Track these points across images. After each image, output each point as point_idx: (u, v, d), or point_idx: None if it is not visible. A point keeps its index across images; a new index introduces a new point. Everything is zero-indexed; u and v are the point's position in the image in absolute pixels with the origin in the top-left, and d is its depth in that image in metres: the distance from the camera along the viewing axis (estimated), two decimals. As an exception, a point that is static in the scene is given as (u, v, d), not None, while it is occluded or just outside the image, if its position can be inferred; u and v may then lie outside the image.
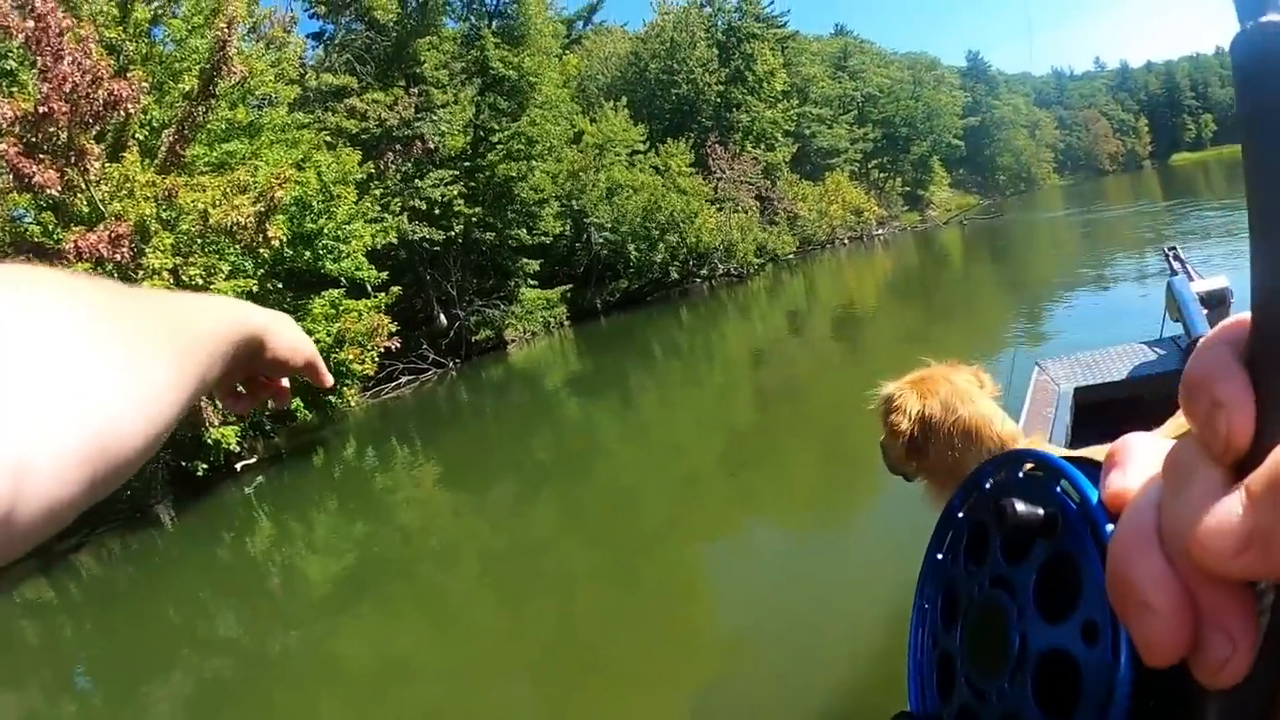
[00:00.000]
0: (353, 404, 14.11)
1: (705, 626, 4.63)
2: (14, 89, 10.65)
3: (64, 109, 9.61)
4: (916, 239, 37.26)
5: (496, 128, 21.11)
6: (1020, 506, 0.29)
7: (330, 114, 18.55)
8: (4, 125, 9.65)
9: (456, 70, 21.02)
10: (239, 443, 11.14)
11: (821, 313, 18.36)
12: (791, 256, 31.85)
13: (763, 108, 33.52)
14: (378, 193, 16.90)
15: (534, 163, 21.44)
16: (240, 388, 0.61)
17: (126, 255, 9.70)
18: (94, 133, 10.22)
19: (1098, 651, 0.26)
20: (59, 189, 9.83)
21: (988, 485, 0.36)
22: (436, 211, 19.35)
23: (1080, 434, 3.42)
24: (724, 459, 7.83)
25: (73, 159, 9.92)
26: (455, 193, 19.60)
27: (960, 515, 0.37)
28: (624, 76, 32.12)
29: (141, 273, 9.83)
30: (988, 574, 0.33)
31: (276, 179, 11.23)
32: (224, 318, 0.49)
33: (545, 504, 7.91)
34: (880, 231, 40.57)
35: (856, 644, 3.72)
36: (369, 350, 13.15)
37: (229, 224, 10.65)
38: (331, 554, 7.99)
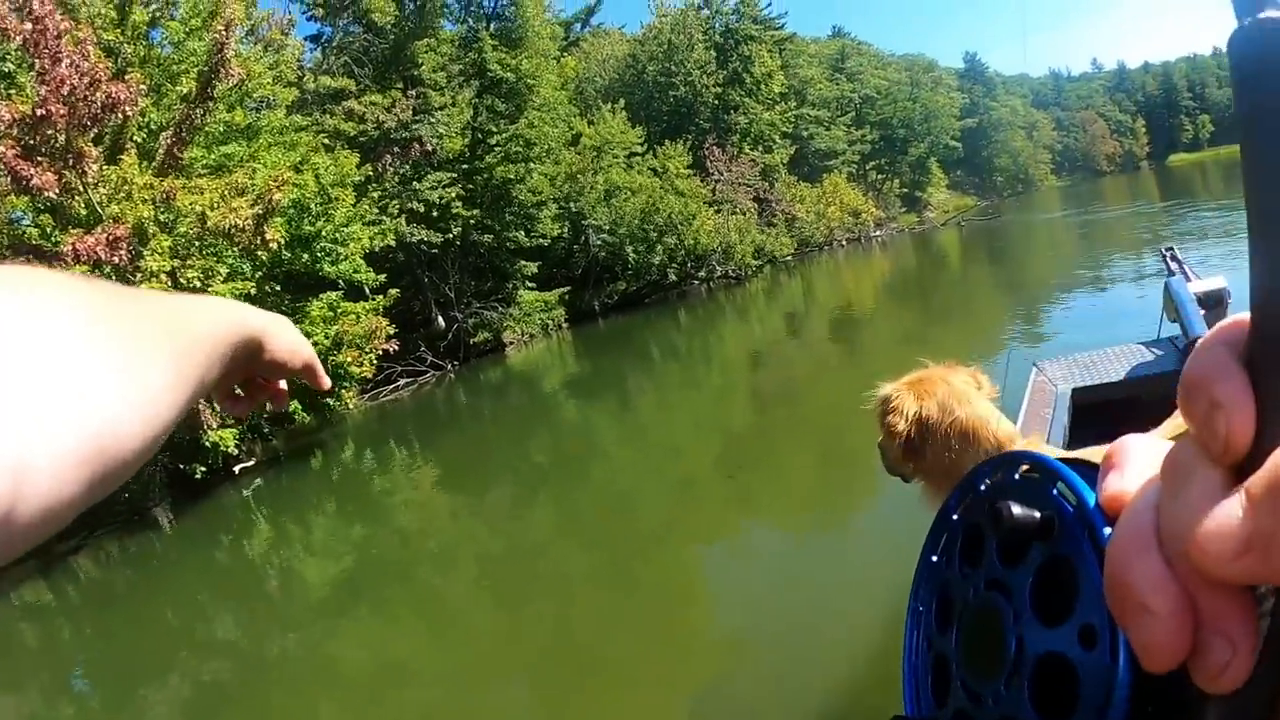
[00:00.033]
0: (351, 406, 14.09)
1: (703, 628, 4.63)
2: (12, 91, 10.65)
3: (62, 111, 9.60)
4: (914, 240, 37.31)
5: (494, 130, 21.12)
6: (1016, 509, 0.29)
7: (328, 116, 18.56)
8: (2, 128, 9.63)
9: (454, 72, 21.03)
10: (237, 445, 11.13)
11: (819, 314, 18.37)
12: (789, 258, 31.86)
13: (760, 109, 33.55)
14: (376, 195, 16.90)
15: (532, 165, 21.45)
16: (238, 390, 0.61)
17: (124, 258, 9.69)
18: (92, 135, 10.21)
19: (1095, 656, 0.26)
20: (57, 191, 9.83)
21: (983, 487, 0.35)
22: (434, 214, 19.36)
23: (1078, 435, 3.42)
24: (722, 461, 7.83)
25: (70, 161, 9.91)
26: (453, 195, 19.60)
27: (955, 517, 0.37)
28: (622, 79, 32.14)
29: (139, 275, 9.82)
30: (983, 577, 0.33)
31: (274, 181, 11.23)
32: (222, 319, 0.49)
33: (543, 506, 7.90)
34: (878, 233, 40.58)
35: (854, 645, 3.72)
36: (367, 353, 13.14)
37: (227, 226, 10.65)
38: (329, 556, 7.98)
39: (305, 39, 20.16)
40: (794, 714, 3.37)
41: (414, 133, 19.43)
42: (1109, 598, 0.23)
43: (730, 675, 3.88)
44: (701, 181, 28.00)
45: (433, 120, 19.78)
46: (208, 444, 10.36)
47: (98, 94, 9.87)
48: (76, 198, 10.18)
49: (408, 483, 10.26)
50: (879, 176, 47.25)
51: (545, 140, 22.05)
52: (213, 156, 12.83)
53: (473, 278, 21.01)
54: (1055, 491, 0.29)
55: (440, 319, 20.31)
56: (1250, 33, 0.21)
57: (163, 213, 10.47)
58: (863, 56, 52.34)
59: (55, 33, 9.52)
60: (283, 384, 0.63)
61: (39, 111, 9.52)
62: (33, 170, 9.60)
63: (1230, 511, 0.19)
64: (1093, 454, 0.34)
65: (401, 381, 17.19)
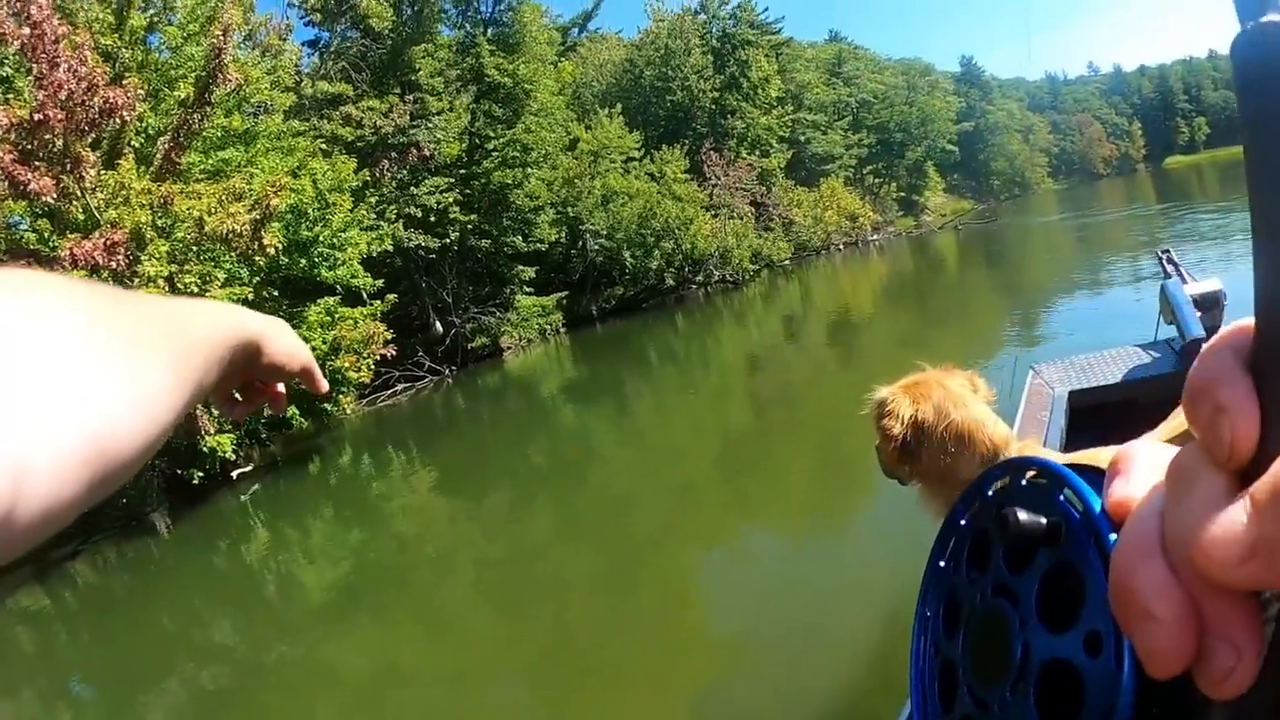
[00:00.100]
0: (349, 411, 14.08)
1: (701, 631, 4.62)
2: (10, 96, 10.66)
3: (59, 116, 9.60)
4: (911, 244, 37.34)
5: (492, 135, 21.14)
6: (1023, 515, 0.29)
7: (326, 121, 18.57)
8: (0, 132, 9.64)
9: (452, 78, 21.04)
10: (235, 450, 11.11)
11: (817, 318, 18.37)
12: (787, 262, 31.86)
13: (757, 114, 33.61)
14: (373, 200, 16.90)
15: (529, 170, 21.47)
16: (237, 393, 0.61)
17: (122, 262, 9.69)
18: (89, 140, 10.22)
19: (1100, 662, 0.26)
20: (54, 196, 9.83)
21: (990, 493, 0.35)
22: (432, 219, 19.37)
23: (1075, 437, 3.42)
24: (720, 464, 7.83)
25: (68, 166, 9.91)
26: (451, 200, 19.60)
27: (963, 523, 0.37)
28: (619, 83, 32.17)
29: (137, 280, 9.80)
30: (990, 582, 0.33)
31: (272, 186, 11.22)
32: (221, 323, 0.49)
33: (541, 510, 7.89)
34: (875, 237, 40.60)
35: (853, 648, 3.72)
36: (365, 358, 13.13)
37: (224, 231, 10.64)
38: (328, 561, 7.96)
39: (303, 44, 20.24)
40: (792, 716, 3.36)
41: (411, 138, 19.44)
42: (1113, 604, 0.23)
43: (728, 678, 3.88)
44: (699, 186, 28.02)
45: (430, 125, 19.80)
46: (205, 449, 10.34)
47: (95, 99, 9.87)
48: (74, 202, 10.18)
49: (405, 487, 10.25)
50: (876, 180, 47.30)
51: (543, 145, 22.07)
52: (210, 161, 12.84)
53: (470, 283, 21.01)
54: (1062, 497, 0.29)
55: (438, 324, 20.30)
56: (1254, 36, 0.21)
57: (160, 218, 10.46)
58: (859, 61, 52.40)
59: (53, 37, 9.53)
60: (281, 387, 0.63)
61: (37, 116, 9.53)
62: (30, 175, 9.60)
63: (1234, 517, 0.19)
64: (1093, 454, 0.34)
65: (399, 386, 17.18)
